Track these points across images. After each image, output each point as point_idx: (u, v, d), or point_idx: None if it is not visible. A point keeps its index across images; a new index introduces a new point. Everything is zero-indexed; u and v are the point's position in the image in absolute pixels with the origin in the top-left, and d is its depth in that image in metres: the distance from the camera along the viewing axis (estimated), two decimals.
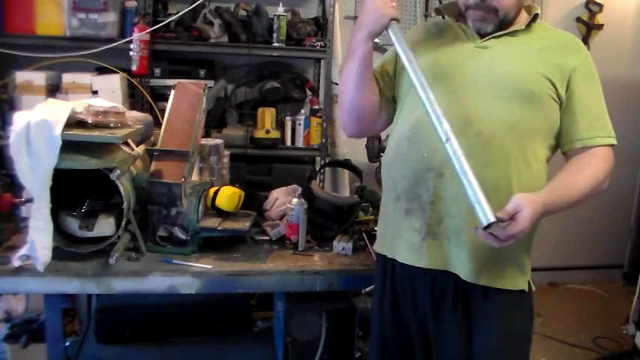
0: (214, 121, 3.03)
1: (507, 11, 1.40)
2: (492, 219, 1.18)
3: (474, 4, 1.39)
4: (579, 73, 1.39)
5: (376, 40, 1.42)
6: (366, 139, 2.69)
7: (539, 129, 1.39)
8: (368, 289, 1.74)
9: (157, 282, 1.66)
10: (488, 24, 1.41)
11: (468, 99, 1.37)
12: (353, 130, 1.60)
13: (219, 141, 2.12)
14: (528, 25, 1.43)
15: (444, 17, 1.57)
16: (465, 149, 1.23)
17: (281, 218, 2.02)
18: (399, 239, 1.47)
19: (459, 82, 1.38)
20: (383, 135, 2.66)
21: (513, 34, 1.42)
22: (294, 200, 1.88)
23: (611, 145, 1.42)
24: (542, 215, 1.28)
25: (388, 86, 1.54)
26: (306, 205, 1.88)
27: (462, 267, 1.38)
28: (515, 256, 1.39)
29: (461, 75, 1.39)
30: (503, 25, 1.42)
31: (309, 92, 3.23)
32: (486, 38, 1.43)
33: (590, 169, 1.37)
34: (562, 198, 1.33)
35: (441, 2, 3.20)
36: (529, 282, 1.43)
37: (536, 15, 1.43)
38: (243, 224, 1.82)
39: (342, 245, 1.89)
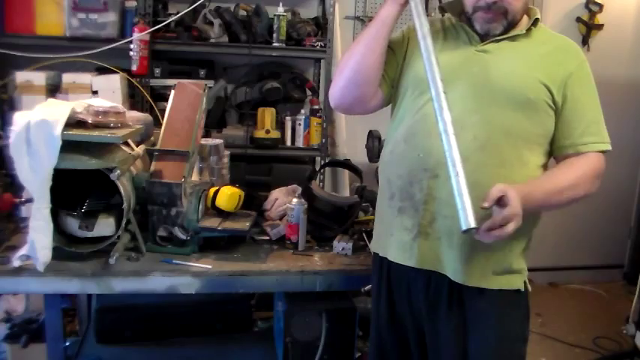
0: (214, 121, 3.03)
1: (515, 14, 1.40)
2: (473, 225, 1.16)
3: (485, 5, 1.38)
4: (576, 79, 1.39)
5: None
6: (366, 139, 2.69)
7: (536, 135, 1.39)
8: (367, 287, 1.74)
9: (156, 282, 1.66)
10: (497, 26, 1.40)
11: (465, 103, 1.36)
12: (347, 97, 1.49)
13: (219, 141, 2.12)
14: (528, 30, 1.42)
15: (443, 15, 1.57)
16: (461, 152, 1.22)
17: (281, 218, 2.02)
18: (391, 238, 1.48)
19: (456, 86, 1.36)
20: (383, 135, 2.65)
21: (513, 38, 1.41)
22: (294, 200, 1.88)
23: (605, 152, 1.41)
24: (523, 204, 1.25)
25: (390, 63, 1.51)
26: (306, 205, 1.88)
27: (451, 268, 1.39)
28: (508, 257, 1.39)
29: (459, 79, 1.38)
30: (510, 27, 1.41)
31: (309, 92, 3.22)
32: (487, 42, 1.42)
33: (578, 170, 1.37)
34: (539, 189, 1.33)
35: (441, 1, 3.20)
36: (525, 282, 1.43)
37: (537, 19, 1.43)
38: (243, 224, 1.82)
39: (342, 245, 1.89)
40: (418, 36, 1.32)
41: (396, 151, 1.46)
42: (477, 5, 1.40)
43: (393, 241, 1.47)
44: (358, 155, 2.98)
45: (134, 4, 2.77)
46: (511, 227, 1.21)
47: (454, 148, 1.21)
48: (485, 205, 1.21)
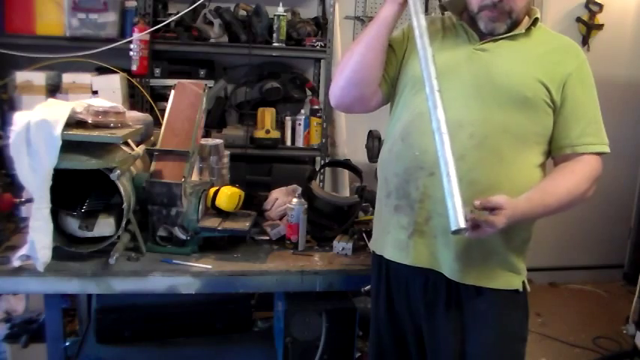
0: (214, 121, 3.03)
1: (519, 13, 1.41)
2: (463, 225, 1.17)
3: (491, 3, 1.38)
4: (575, 79, 1.39)
5: None
6: (366, 138, 2.69)
7: (533, 134, 1.39)
8: (367, 287, 1.74)
9: (157, 282, 1.66)
10: (501, 25, 1.40)
11: (463, 101, 1.36)
12: (347, 97, 1.49)
13: (219, 141, 2.12)
14: (528, 29, 1.42)
15: (443, 13, 1.57)
16: (457, 150, 1.23)
17: (281, 218, 2.02)
18: (387, 236, 1.48)
19: (455, 84, 1.37)
20: (383, 135, 2.65)
21: (512, 37, 1.42)
22: (294, 200, 1.88)
23: (602, 153, 1.40)
24: (516, 222, 1.29)
25: (391, 62, 1.50)
26: (306, 205, 1.88)
27: (448, 266, 1.39)
28: (506, 257, 1.39)
29: (458, 77, 1.38)
30: (512, 27, 1.42)
31: (309, 92, 3.23)
32: (485, 41, 1.42)
33: (573, 178, 1.37)
34: (540, 207, 1.34)
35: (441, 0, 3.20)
36: (524, 282, 1.43)
37: (536, 19, 1.43)
38: (243, 224, 1.82)
39: (342, 245, 1.89)
40: (415, 34, 1.32)
41: (394, 149, 1.46)
42: (483, 4, 1.39)
43: (390, 239, 1.47)
44: (358, 155, 2.98)
45: (134, 4, 2.77)
46: (484, 234, 1.25)
47: (447, 147, 1.21)
48: (477, 203, 1.23)
